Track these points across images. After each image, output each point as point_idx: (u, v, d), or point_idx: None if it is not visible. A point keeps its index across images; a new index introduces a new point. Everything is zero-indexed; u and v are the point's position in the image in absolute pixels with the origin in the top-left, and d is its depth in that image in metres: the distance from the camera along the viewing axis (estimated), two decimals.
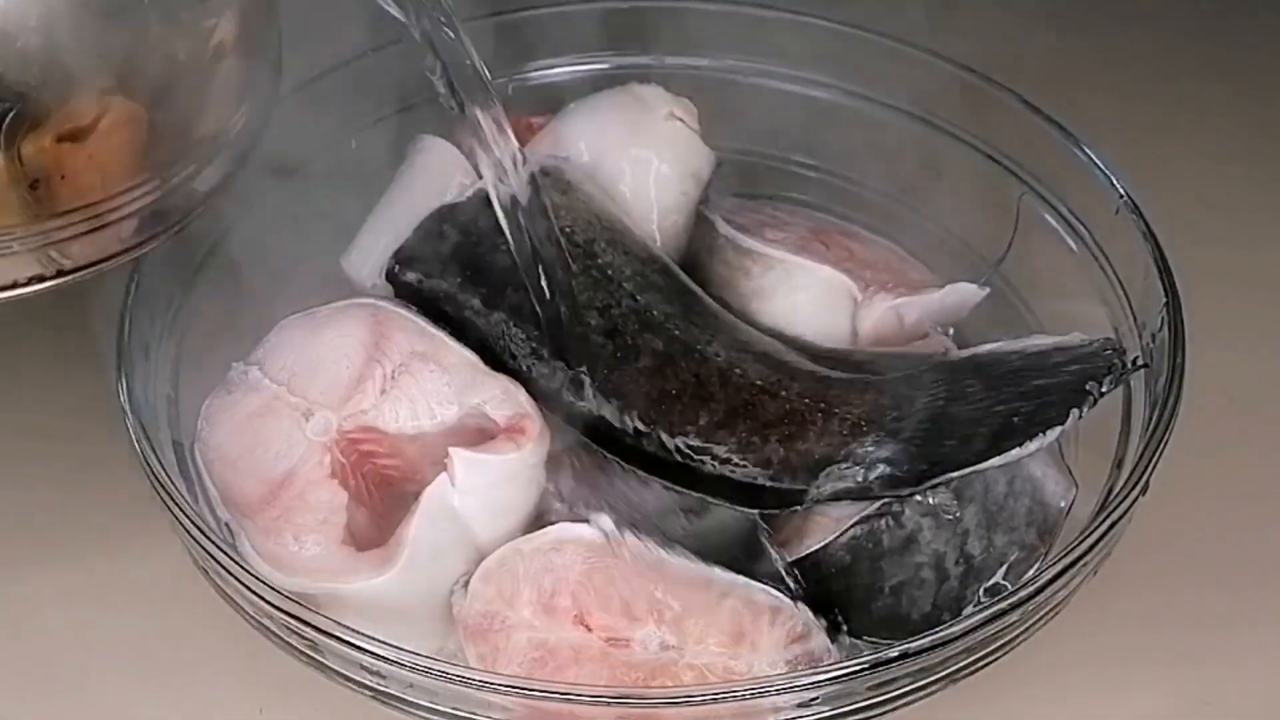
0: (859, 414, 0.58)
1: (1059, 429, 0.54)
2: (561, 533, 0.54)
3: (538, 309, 0.59)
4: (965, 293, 0.65)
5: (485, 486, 0.55)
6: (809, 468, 0.57)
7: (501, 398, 0.57)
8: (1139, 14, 0.62)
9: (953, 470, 0.55)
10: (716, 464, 0.58)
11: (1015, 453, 0.54)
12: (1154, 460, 0.55)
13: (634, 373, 0.60)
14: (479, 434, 0.57)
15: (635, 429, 0.59)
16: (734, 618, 0.53)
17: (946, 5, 0.65)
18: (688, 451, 0.58)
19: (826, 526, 0.56)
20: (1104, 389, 0.55)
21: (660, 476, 0.58)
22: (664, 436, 0.58)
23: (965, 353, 0.60)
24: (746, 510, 0.57)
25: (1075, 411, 0.55)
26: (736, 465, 0.58)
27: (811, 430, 0.58)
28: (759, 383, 0.59)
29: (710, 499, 0.58)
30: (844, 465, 0.57)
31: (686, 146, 0.66)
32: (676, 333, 0.60)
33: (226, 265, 0.66)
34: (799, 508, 0.57)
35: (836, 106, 0.72)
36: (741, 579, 0.54)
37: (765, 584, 0.54)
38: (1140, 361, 0.58)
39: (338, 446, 0.57)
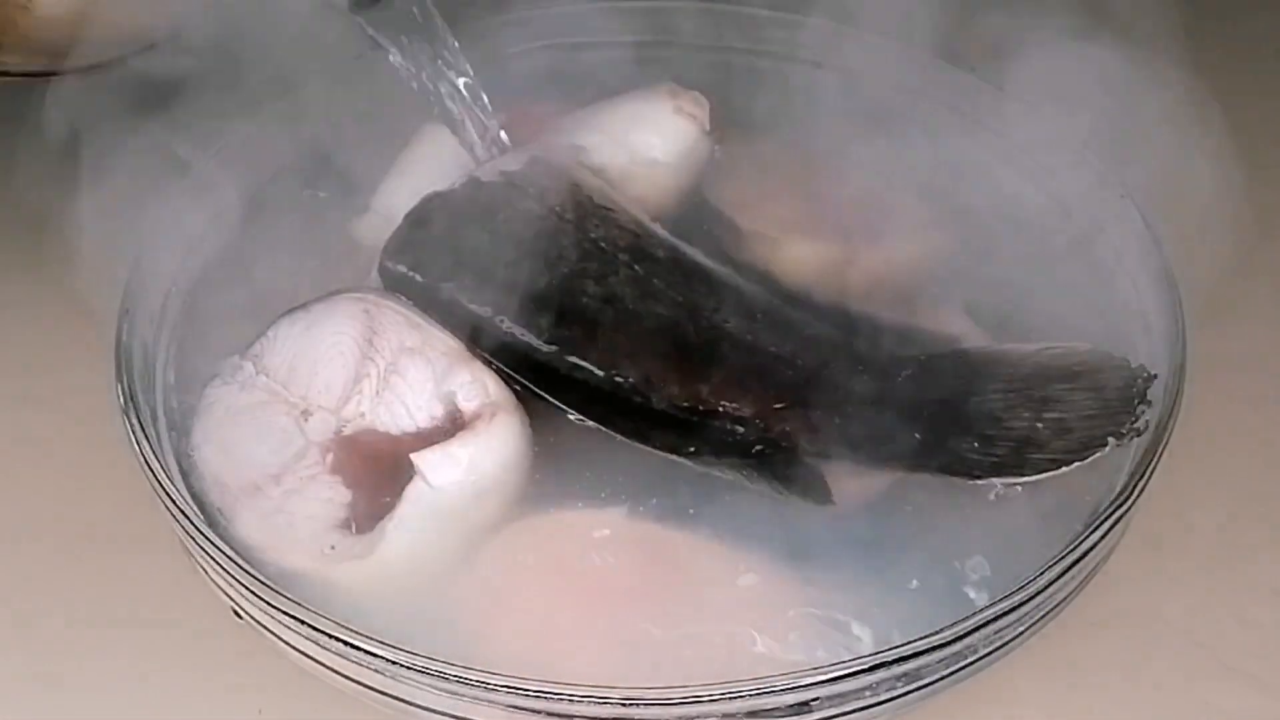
0: (877, 393, 0.58)
1: (1087, 459, 0.56)
2: (575, 517, 0.55)
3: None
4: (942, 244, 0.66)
5: (460, 479, 0.56)
6: (825, 438, 0.57)
7: (470, 384, 0.58)
8: (1139, 8, 0.62)
9: (976, 474, 0.56)
10: (728, 423, 0.58)
11: (1046, 474, 0.56)
12: (1154, 460, 0.55)
13: (638, 334, 0.60)
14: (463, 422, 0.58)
15: (643, 386, 0.58)
16: (745, 595, 0.54)
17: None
18: (699, 407, 0.58)
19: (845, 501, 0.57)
20: (1136, 423, 0.57)
21: (666, 439, 0.58)
22: (674, 392, 0.58)
23: (984, 348, 0.61)
24: (755, 483, 0.57)
25: (1113, 440, 0.56)
26: (748, 425, 0.58)
27: (828, 400, 0.58)
28: (772, 350, 0.59)
29: (722, 473, 0.57)
30: (860, 445, 0.57)
31: (691, 137, 0.67)
32: (680, 300, 0.60)
33: (226, 260, 0.66)
34: (814, 500, 0.57)
35: (835, 101, 0.72)
36: (755, 557, 0.54)
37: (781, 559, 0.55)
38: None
39: (339, 446, 0.57)
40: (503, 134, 0.68)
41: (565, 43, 0.75)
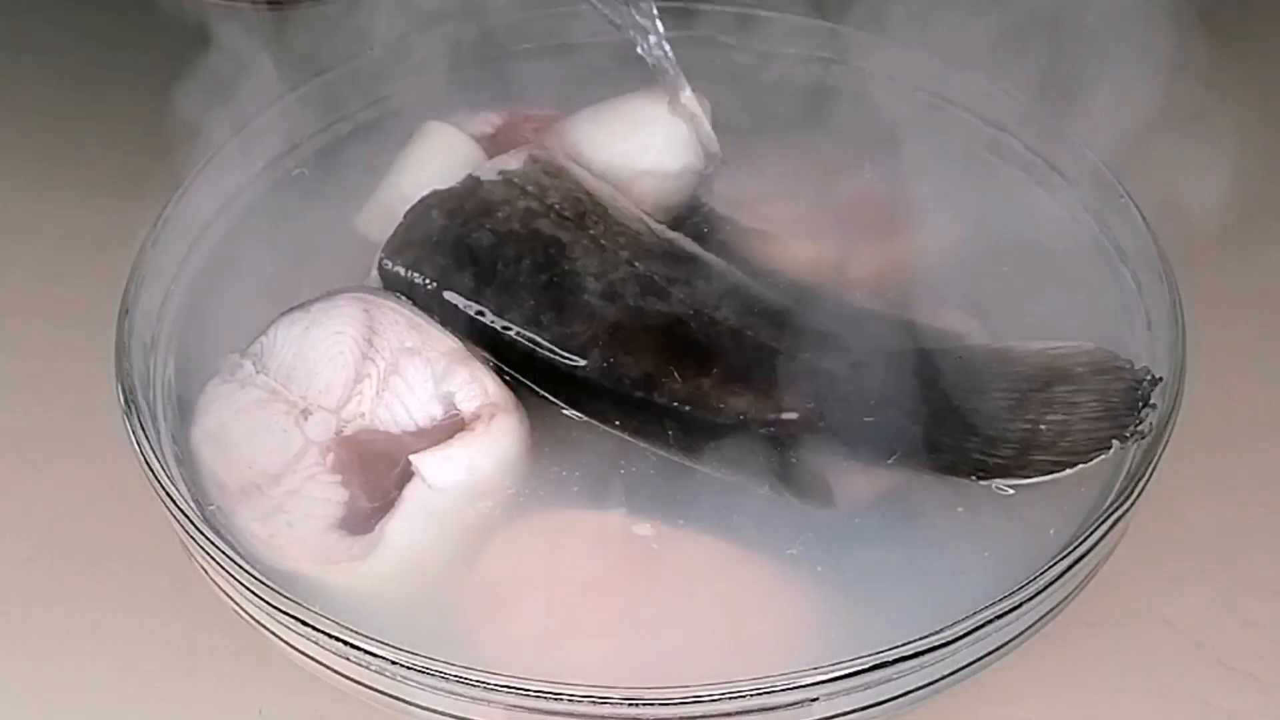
0: (879, 392, 0.58)
1: (1090, 461, 0.56)
2: (575, 517, 0.56)
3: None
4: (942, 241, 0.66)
5: (459, 480, 0.56)
6: (826, 437, 0.57)
7: (469, 385, 0.58)
8: (1141, 9, 0.62)
9: (978, 475, 0.56)
10: (729, 421, 0.58)
11: (1050, 476, 0.56)
12: (1154, 460, 0.55)
13: (640, 331, 0.59)
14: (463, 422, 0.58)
15: (644, 384, 0.58)
16: (746, 594, 0.54)
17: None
18: (700, 405, 0.58)
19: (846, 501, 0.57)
20: (1141, 426, 0.56)
21: (666, 438, 0.58)
22: (675, 390, 0.58)
23: (985, 345, 0.61)
24: (756, 484, 0.57)
25: (1116, 443, 0.56)
26: (749, 423, 0.58)
27: (830, 399, 0.58)
28: (774, 347, 0.59)
29: (723, 473, 0.57)
30: (862, 444, 0.57)
31: (691, 135, 0.67)
32: (681, 297, 0.60)
33: (225, 258, 0.66)
34: (815, 502, 0.57)
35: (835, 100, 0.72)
36: (756, 557, 0.55)
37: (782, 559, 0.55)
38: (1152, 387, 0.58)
39: (338, 446, 0.57)
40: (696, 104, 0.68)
41: (566, 43, 0.75)
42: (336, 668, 0.51)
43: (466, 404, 0.57)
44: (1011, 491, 0.57)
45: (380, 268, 0.62)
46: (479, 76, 0.73)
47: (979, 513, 0.57)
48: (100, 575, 0.62)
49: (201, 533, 0.53)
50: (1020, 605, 0.51)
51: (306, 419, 0.58)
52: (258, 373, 0.59)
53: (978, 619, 0.50)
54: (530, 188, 0.63)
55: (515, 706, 0.49)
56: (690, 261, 0.63)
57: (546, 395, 0.60)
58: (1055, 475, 0.56)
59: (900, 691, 0.51)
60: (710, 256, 0.63)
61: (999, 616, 0.51)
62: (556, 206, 0.63)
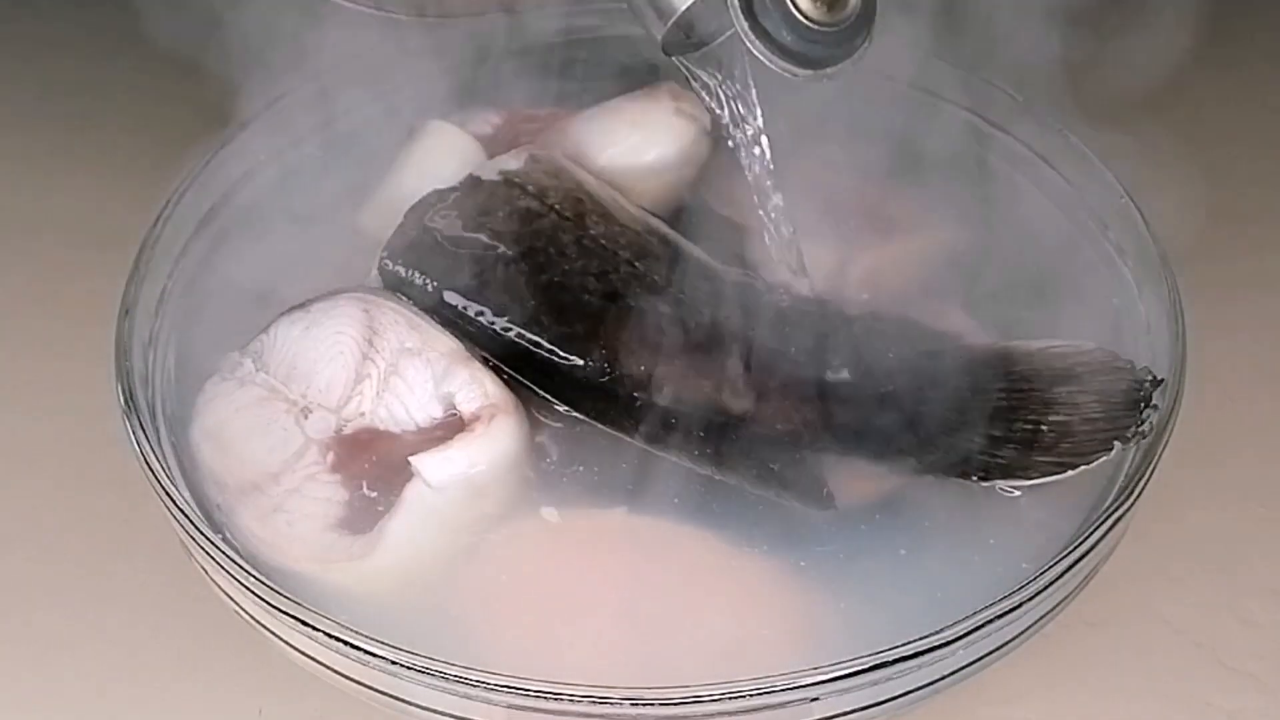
0: (880, 393, 0.58)
1: (1092, 463, 0.56)
2: (575, 517, 0.56)
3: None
4: (942, 242, 0.66)
5: (458, 479, 0.56)
6: (828, 438, 0.57)
7: (469, 385, 0.58)
8: (1141, 11, 0.62)
9: (980, 476, 0.56)
10: (730, 422, 0.58)
11: (1052, 478, 0.56)
12: (1154, 460, 0.55)
13: (639, 332, 0.60)
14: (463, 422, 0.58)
15: (644, 384, 0.58)
16: (746, 595, 0.54)
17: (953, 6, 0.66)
18: (702, 401, 0.58)
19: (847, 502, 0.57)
20: (1142, 426, 0.56)
21: (667, 439, 0.58)
22: (676, 390, 0.58)
23: (986, 345, 0.61)
24: (756, 487, 0.57)
25: (1118, 444, 0.56)
26: (750, 423, 0.58)
27: (831, 400, 0.58)
28: (775, 348, 0.59)
29: (725, 476, 0.57)
30: (863, 445, 0.57)
31: (689, 137, 0.67)
32: (681, 296, 0.61)
33: (225, 257, 0.66)
34: (815, 505, 0.57)
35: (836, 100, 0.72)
36: (756, 557, 0.55)
37: (782, 559, 0.55)
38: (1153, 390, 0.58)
39: (338, 445, 0.57)
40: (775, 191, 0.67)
41: (567, 42, 0.75)
42: (336, 668, 0.51)
43: (466, 404, 0.57)
44: (1015, 493, 0.57)
45: (380, 268, 0.62)
46: (479, 76, 0.73)
47: (979, 513, 0.57)
48: (100, 575, 0.62)
49: (202, 533, 0.53)
50: (1020, 605, 0.51)
51: (306, 417, 0.58)
52: (257, 370, 0.59)
53: (978, 619, 0.50)
54: (530, 188, 0.63)
55: (515, 706, 0.49)
56: (690, 262, 0.63)
57: (546, 395, 0.60)
58: (1057, 477, 0.56)
59: (900, 691, 0.51)
60: (709, 258, 0.63)
61: (999, 616, 0.51)
62: (556, 206, 0.63)
